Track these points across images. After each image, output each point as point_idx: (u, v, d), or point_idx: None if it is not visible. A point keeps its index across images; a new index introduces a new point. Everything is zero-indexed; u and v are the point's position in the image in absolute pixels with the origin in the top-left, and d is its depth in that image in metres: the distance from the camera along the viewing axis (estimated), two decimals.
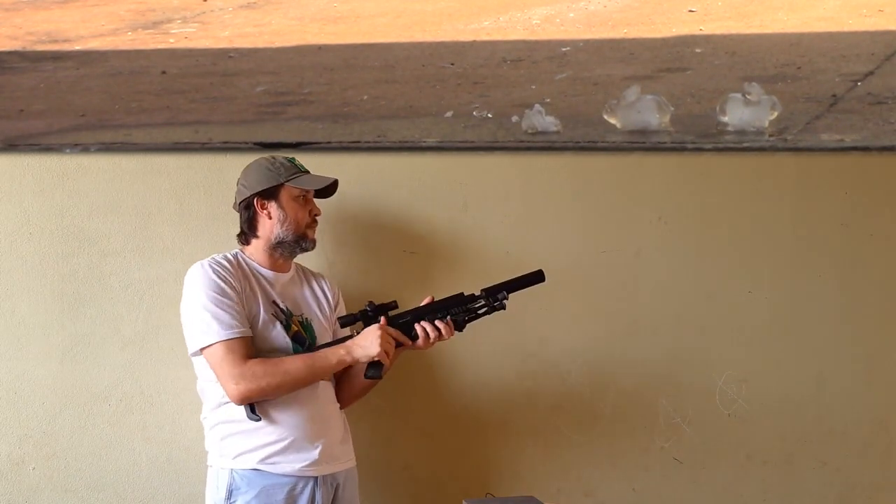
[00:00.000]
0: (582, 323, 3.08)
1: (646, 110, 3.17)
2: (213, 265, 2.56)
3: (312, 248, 2.68)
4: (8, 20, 3.13)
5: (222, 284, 2.53)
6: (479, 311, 2.62)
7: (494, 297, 2.61)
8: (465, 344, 3.04)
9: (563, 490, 3.08)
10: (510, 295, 2.63)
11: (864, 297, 3.19)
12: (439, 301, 2.62)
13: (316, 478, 2.57)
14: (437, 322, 2.58)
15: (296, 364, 2.51)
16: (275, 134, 3.12)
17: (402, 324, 2.58)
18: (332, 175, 2.70)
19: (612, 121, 3.16)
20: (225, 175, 2.95)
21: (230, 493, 2.54)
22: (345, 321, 2.62)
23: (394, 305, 2.59)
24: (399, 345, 2.57)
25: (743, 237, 3.15)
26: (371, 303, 2.58)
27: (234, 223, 2.92)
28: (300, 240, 2.64)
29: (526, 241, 3.05)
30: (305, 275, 2.77)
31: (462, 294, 2.62)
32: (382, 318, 2.55)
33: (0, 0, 3.13)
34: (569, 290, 3.06)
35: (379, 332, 2.51)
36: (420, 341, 2.58)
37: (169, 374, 2.91)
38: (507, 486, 3.04)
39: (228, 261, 2.60)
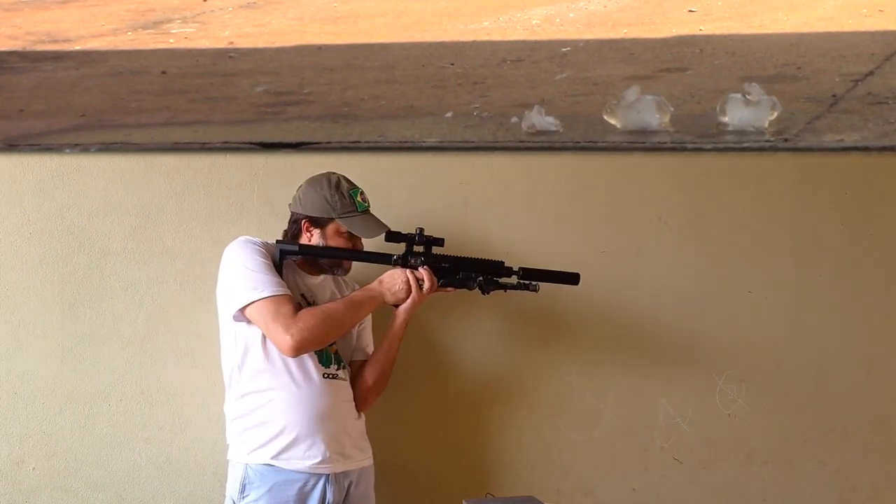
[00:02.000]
0: (582, 323, 3.08)
1: (646, 110, 3.17)
2: (256, 242, 2.62)
3: (344, 275, 2.74)
4: (8, 20, 3.14)
5: (265, 258, 2.58)
6: (508, 287, 2.72)
7: (529, 279, 2.71)
8: (465, 343, 3.04)
9: (563, 490, 3.08)
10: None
11: (864, 297, 3.19)
12: (480, 260, 2.71)
13: (328, 475, 2.59)
14: (442, 284, 2.68)
15: (338, 307, 2.61)
16: (275, 134, 3.12)
17: (435, 267, 2.67)
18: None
19: (613, 121, 3.16)
20: (225, 175, 2.95)
21: (243, 487, 2.58)
22: (392, 237, 2.66)
23: (440, 242, 2.68)
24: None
25: (743, 237, 3.15)
26: (421, 230, 2.67)
27: (233, 223, 2.93)
28: (334, 267, 2.70)
29: (526, 241, 3.05)
30: (335, 279, 2.79)
31: (502, 263, 2.71)
32: (411, 270, 2.65)
33: (0, 0, 3.13)
34: (569, 290, 3.05)
35: (406, 278, 2.63)
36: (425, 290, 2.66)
37: (169, 374, 2.91)
38: (507, 486, 3.04)
39: (267, 247, 2.63)
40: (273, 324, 2.51)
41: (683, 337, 3.13)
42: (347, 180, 2.68)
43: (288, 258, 2.65)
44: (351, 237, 2.67)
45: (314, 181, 2.68)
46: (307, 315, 2.54)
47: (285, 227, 2.72)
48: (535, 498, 2.60)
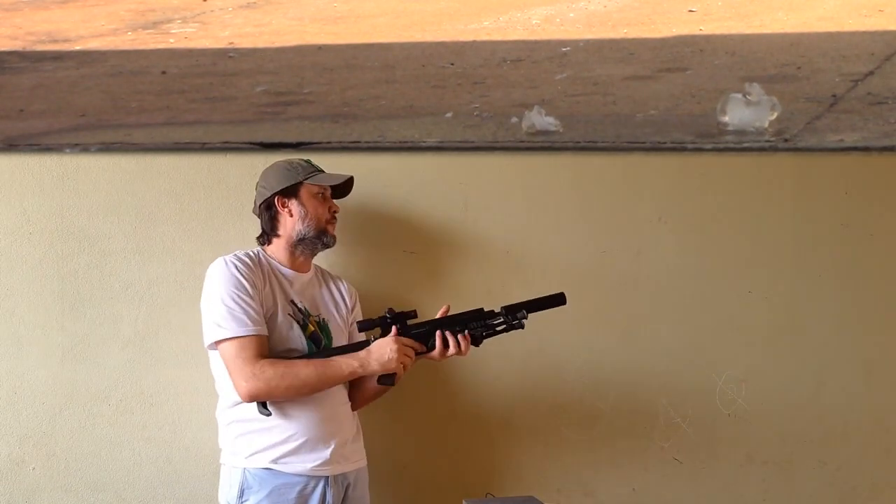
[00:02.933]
0: (582, 323, 3.08)
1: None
2: (236, 261, 2.60)
3: (333, 243, 2.72)
4: (8, 20, 3.13)
5: (243, 281, 2.55)
6: (498, 329, 2.62)
7: (514, 315, 2.61)
8: None
9: (563, 490, 3.08)
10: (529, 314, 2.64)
11: (864, 297, 3.19)
12: (458, 314, 2.62)
13: (327, 477, 2.59)
14: (458, 336, 2.58)
15: (307, 370, 2.52)
16: (275, 134, 3.12)
17: (417, 334, 2.58)
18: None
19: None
20: (225, 175, 2.95)
21: (242, 492, 2.57)
22: (363, 326, 2.61)
23: (413, 315, 2.59)
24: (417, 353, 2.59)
25: (743, 237, 3.15)
26: (391, 310, 2.59)
27: (233, 223, 2.93)
28: (321, 234, 2.69)
29: (526, 241, 3.05)
30: (324, 276, 2.80)
31: (481, 309, 2.63)
32: (394, 329, 2.56)
33: (0, 0, 3.13)
34: (569, 290, 3.05)
35: (395, 346, 2.53)
36: (436, 351, 2.59)
37: (169, 374, 2.91)
38: (507, 486, 3.04)
39: (250, 258, 2.63)
40: (232, 367, 2.50)
41: (683, 337, 3.13)
42: (294, 158, 2.74)
43: (270, 260, 2.66)
44: (325, 199, 2.69)
45: (267, 169, 2.74)
46: (269, 367, 2.49)
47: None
48: (535, 498, 2.60)
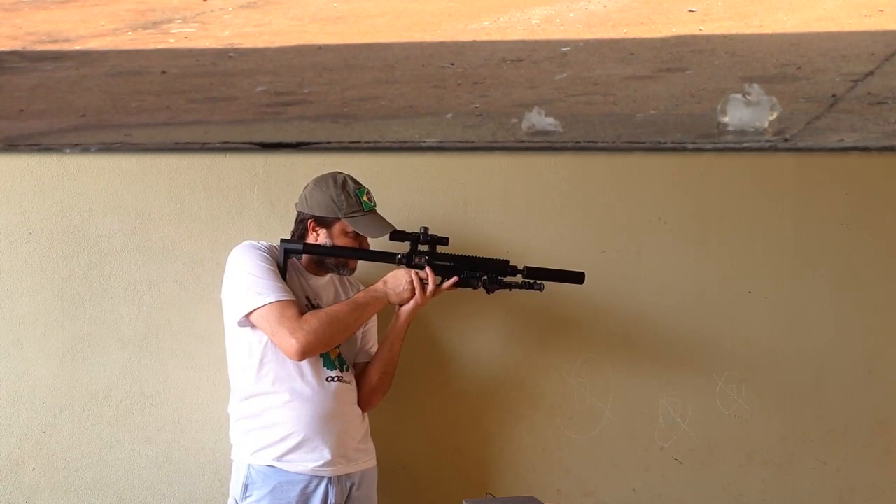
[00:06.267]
0: (582, 323, 3.08)
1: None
2: (260, 247, 2.63)
3: (350, 275, 2.74)
4: (8, 20, 3.12)
5: (269, 264, 2.59)
6: (513, 286, 2.70)
7: (534, 278, 2.70)
8: (465, 343, 3.04)
9: (563, 490, 3.08)
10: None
11: (864, 297, 3.19)
12: (485, 259, 2.70)
13: (330, 477, 2.60)
14: (443, 285, 2.66)
15: (343, 308, 2.60)
16: (275, 134, 3.12)
17: (440, 265, 2.67)
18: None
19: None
20: (225, 175, 2.95)
21: (246, 488, 2.60)
22: (396, 237, 2.66)
23: (445, 241, 2.67)
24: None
25: (743, 237, 3.15)
26: (425, 229, 2.66)
27: (233, 223, 2.93)
28: (340, 267, 2.70)
29: (526, 241, 3.05)
30: (341, 280, 2.80)
31: (506, 262, 2.70)
32: (415, 270, 2.64)
33: (1, 1, 3.12)
34: (569, 290, 3.05)
35: (408, 277, 2.63)
36: (430, 289, 2.65)
37: (169, 374, 2.91)
38: (507, 486, 3.04)
39: (270, 251, 2.64)
40: (278, 328, 2.51)
41: (683, 337, 3.13)
42: (353, 180, 2.69)
43: (293, 258, 2.65)
44: (357, 236, 2.67)
45: (320, 181, 2.68)
46: (312, 318, 2.55)
47: (285, 226, 2.73)
48: (534, 498, 2.60)
